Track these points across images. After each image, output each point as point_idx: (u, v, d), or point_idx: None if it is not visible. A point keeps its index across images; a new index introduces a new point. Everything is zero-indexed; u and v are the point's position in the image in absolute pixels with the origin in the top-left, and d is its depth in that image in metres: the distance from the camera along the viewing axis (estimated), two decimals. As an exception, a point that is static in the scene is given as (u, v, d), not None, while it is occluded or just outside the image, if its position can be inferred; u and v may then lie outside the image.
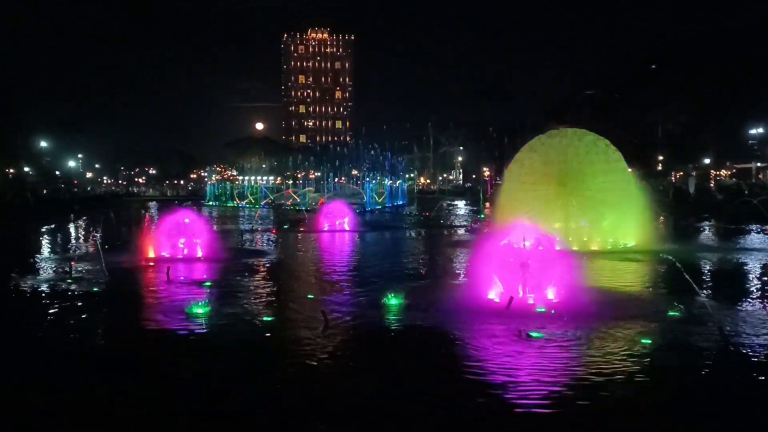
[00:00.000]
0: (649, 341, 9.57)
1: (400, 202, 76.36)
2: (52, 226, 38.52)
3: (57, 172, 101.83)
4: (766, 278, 17.15)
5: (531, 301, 11.60)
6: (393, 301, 12.31)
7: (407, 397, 7.30)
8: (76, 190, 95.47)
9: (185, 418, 6.61)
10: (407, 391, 7.50)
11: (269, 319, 11.45)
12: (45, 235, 33.65)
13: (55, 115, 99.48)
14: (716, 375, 8.26)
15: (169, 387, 7.72)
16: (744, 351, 9.10)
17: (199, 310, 11.95)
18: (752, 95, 61.51)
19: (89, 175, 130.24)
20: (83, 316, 12.11)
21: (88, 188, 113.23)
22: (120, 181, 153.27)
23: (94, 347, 9.92)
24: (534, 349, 9.21)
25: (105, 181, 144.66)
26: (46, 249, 26.67)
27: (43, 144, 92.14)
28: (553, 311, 11.08)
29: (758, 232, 29.75)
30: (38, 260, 21.38)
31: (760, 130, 66.21)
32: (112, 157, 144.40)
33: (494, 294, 11.86)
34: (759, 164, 73.00)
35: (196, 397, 7.28)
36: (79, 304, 13.18)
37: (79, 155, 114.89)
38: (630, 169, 24.52)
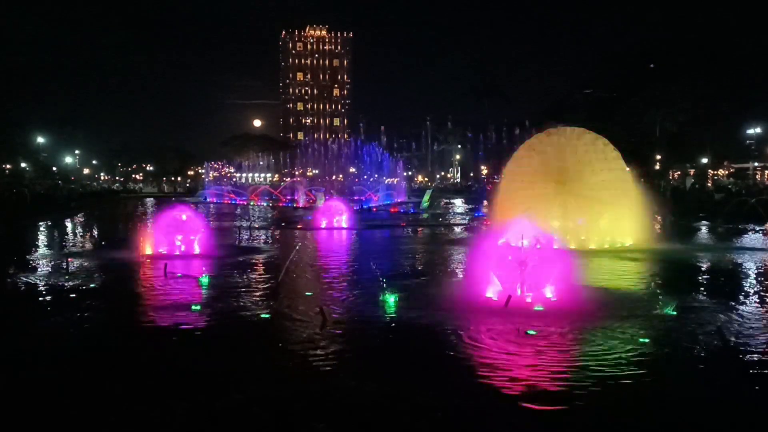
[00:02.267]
0: (647, 340, 9.58)
1: (399, 200, 76.39)
2: (50, 222, 38.45)
3: (54, 169, 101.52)
4: (762, 277, 17.18)
5: (529, 300, 11.59)
6: (391, 298, 12.28)
7: (407, 396, 7.26)
8: (73, 186, 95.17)
9: (183, 416, 6.58)
10: (406, 389, 7.47)
11: (267, 316, 11.42)
12: (42, 231, 33.58)
13: (53, 111, 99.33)
14: (714, 374, 8.26)
15: (167, 385, 7.69)
16: (742, 349, 9.11)
17: (196, 307, 11.95)
18: (750, 95, 61.57)
19: (86, 171, 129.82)
20: (79, 312, 12.05)
21: (87, 182, 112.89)
22: (117, 178, 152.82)
23: (89, 344, 9.88)
24: (532, 347, 9.21)
25: (102, 178, 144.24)
26: (43, 245, 26.60)
27: (41, 140, 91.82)
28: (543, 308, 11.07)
29: (755, 232, 29.79)
30: (35, 256, 21.32)
31: (758, 129, 66.28)
32: (110, 154, 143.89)
33: (492, 292, 11.85)
34: (756, 164, 73.11)
35: (194, 396, 7.24)
36: (75, 300, 13.14)
37: (77, 151, 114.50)
38: (628, 168, 24.53)
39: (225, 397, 6.73)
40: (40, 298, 13.65)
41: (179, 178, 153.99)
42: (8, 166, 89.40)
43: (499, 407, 6.95)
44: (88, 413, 6.77)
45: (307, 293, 13.54)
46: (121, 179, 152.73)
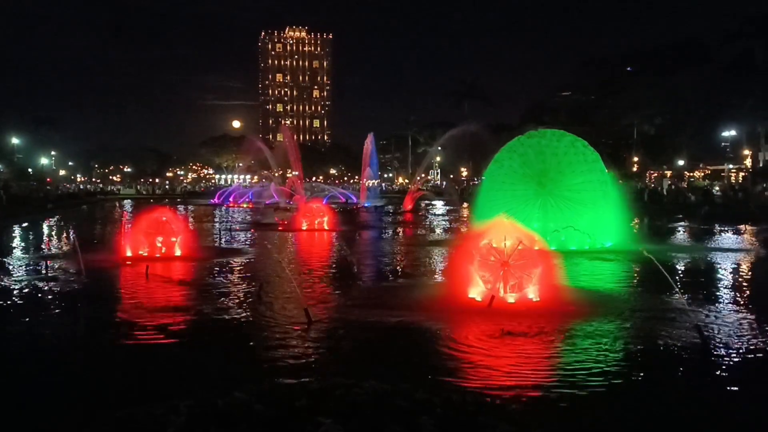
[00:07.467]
0: (628, 339, 9.73)
1: (380, 203, 76.30)
2: (27, 224, 37.90)
3: (30, 170, 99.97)
4: (738, 277, 17.51)
5: (511, 300, 11.70)
6: (375, 299, 12.31)
7: (405, 392, 7.23)
8: (49, 188, 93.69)
9: (187, 414, 6.51)
10: (403, 386, 7.46)
11: (250, 317, 11.40)
12: (20, 233, 33.08)
13: (29, 111, 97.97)
14: (693, 373, 8.42)
15: (168, 384, 7.65)
16: (720, 349, 9.30)
17: (183, 309, 11.90)
18: (725, 99, 62.60)
19: (62, 172, 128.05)
20: (60, 316, 11.93)
21: (66, 185, 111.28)
22: (94, 179, 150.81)
23: (76, 347, 9.79)
24: (515, 346, 9.31)
25: (78, 179, 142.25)
26: (20, 247, 26.21)
27: (16, 141, 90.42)
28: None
29: (733, 233, 30.32)
30: (12, 259, 20.99)
31: (733, 132, 67.50)
32: (86, 155, 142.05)
33: (475, 293, 11.94)
34: (731, 166, 74.42)
35: (196, 394, 7.17)
36: (55, 303, 12.99)
37: (52, 153, 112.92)
38: (607, 170, 24.83)
39: (227, 395, 6.72)
40: (17, 302, 13.46)
41: (157, 180, 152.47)
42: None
43: (494, 403, 7.00)
44: (91, 411, 6.70)
45: (288, 294, 13.52)
46: (98, 180, 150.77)
